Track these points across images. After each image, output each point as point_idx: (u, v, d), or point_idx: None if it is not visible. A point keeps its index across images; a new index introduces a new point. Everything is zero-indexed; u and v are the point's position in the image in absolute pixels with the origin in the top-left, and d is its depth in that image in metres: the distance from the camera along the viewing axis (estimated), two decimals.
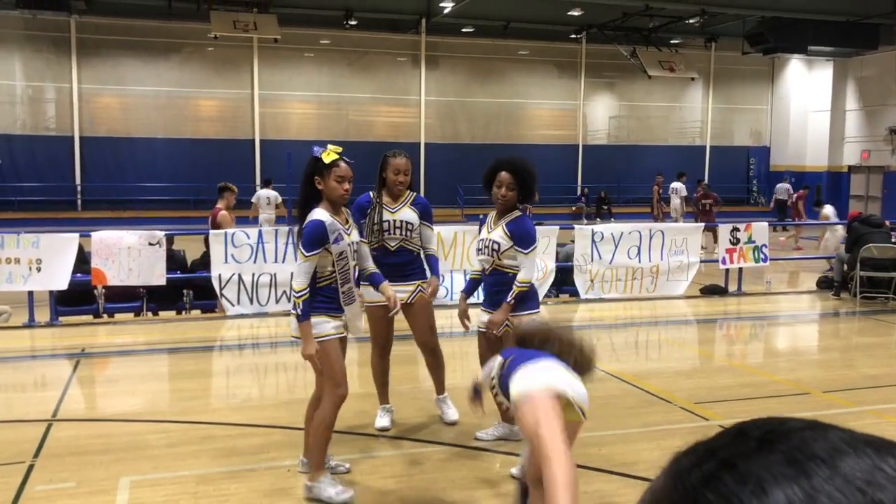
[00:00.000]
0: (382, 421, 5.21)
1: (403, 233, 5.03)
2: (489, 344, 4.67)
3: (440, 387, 5.32)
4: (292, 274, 4.46)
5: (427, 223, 5.14)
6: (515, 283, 4.57)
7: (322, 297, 4.24)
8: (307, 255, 4.10)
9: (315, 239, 4.08)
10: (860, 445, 0.51)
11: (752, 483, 0.49)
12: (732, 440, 0.54)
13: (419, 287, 5.07)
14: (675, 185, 21.61)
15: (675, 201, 21.37)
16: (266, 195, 16.52)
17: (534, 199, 5.03)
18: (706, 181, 21.61)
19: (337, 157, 4.24)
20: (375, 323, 5.11)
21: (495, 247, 4.63)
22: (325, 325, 4.22)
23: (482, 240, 4.77)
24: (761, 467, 0.50)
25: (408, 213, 5.05)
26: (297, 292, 4.15)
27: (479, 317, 4.88)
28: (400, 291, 4.83)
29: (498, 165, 4.68)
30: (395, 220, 5.02)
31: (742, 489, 0.49)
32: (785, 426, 0.54)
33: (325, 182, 4.17)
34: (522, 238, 4.61)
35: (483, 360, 4.55)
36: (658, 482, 0.56)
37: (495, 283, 4.73)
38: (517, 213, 4.71)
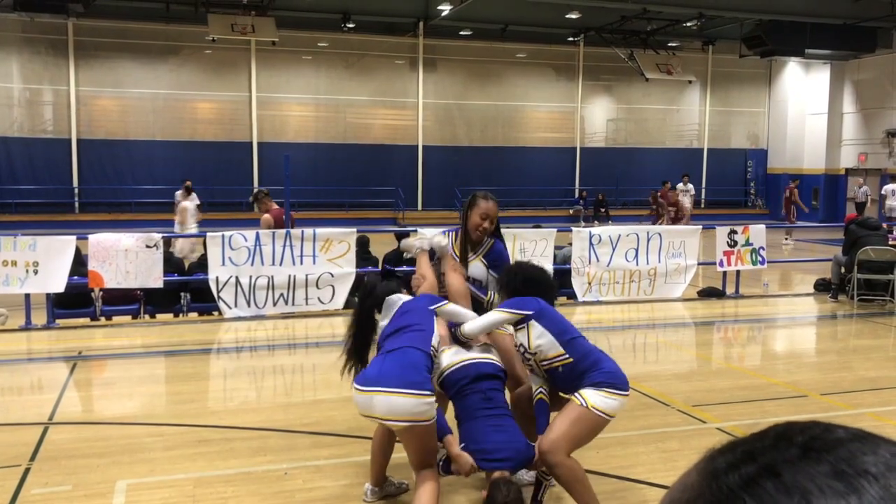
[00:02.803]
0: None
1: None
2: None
3: None
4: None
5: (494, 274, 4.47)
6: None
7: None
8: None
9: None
10: None
11: (797, 495, 0.46)
12: (774, 444, 0.50)
13: None
14: (683, 185, 21.99)
15: (686, 202, 21.60)
16: (190, 205, 15.46)
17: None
18: (670, 183, 21.94)
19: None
20: None
21: (520, 350, 4.09)
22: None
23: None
24: (807, 478, 0.46)
25: (477, 267, 4.52)
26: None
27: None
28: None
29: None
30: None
31: (785, 499, 0.46)
32: (832, 435, 0.50)
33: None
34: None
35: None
36: (690, 478, 0.52)
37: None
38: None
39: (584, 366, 3.78)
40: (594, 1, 21.49)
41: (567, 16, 23.98)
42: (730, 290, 11.07)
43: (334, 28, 23.86)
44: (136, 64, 23.82)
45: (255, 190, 10.29)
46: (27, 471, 4.51)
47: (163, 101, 24.22)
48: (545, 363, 3.84)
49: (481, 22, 24.42)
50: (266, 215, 10.05)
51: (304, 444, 4.99)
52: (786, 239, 19.61)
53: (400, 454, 4.23)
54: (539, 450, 3.75)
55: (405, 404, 3.53)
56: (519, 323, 3.87)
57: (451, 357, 4.02)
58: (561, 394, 3.91)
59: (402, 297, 4.15)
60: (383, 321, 4.08)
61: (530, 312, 3.84)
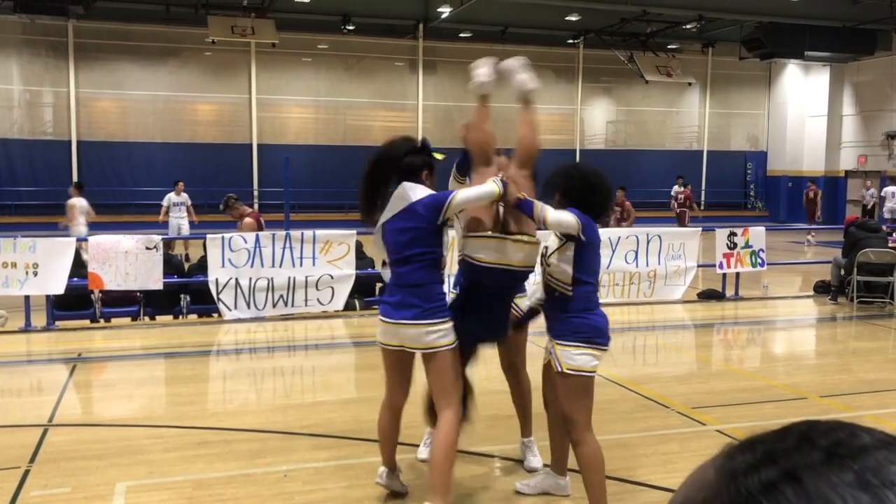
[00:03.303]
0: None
1: None
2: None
3: (527, 427, 4.68)
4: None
5: None
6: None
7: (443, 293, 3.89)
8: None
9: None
10: None
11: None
12: (796, 446, 0.48)
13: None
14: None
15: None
16: (80, 203, 14.91)
17: (602, 216, 4.10)
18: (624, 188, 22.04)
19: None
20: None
21: (543, 251, 3.98)
22: (451, 332, 3.83)
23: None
24: (830, 486, 0.44)
25: None
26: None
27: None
28: None
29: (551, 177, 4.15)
30: None
31: None
32: (857, 441, 0.48)
33: (431, 179, 4.01)
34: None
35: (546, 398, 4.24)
36: (707, 475, 0.50)
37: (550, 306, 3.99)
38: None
39: (574, 307, 3.81)
40: (594, 3, 21.51)
41: (567, 18, 24.00)
42: (729, 292, 11.07)
43: (334, 30, 23.87)
44: (136, 66, 23.83)
45: (226, 196, 10.02)
46: (26, 473, 4.50)
47: (163, 102, 24.23)
48: (549, 277, 3.89)
49: (481, 24, 24.43)
50: (248, 219, 9.79)
51: (304, 446, 4.99)
52: (808, 238, 19.81)
53: (407, 455, 4.23)
54: (564, 424, 3.92)
55: (412, 333, 3.74)
56: (568, 237, 3.77)
57: (488, 253, 3.86)
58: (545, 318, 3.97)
59: (415, 191, 3.89)
60: (386, 213, 3.90)
61: (584, 239, 3.77)
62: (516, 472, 4.61)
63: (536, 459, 4.60)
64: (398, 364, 3.99)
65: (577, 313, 3.77)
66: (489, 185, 3.77)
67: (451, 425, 3.76)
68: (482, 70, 4.21)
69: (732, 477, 0.48)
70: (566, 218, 3.73)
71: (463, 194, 3.80)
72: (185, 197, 16.50)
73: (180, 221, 16.23)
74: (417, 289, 3.78)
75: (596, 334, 3.79)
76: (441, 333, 3.75)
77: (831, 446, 0.47)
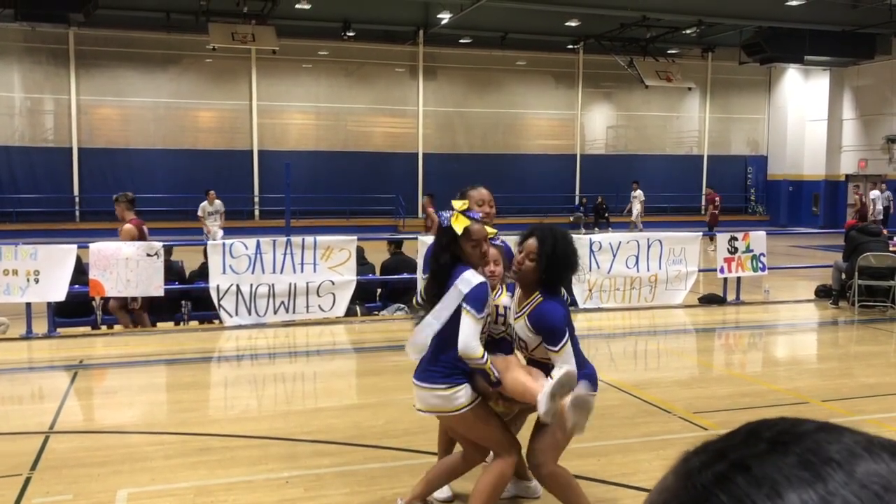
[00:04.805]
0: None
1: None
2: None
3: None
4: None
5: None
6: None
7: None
8: (479, 316, 3.57)
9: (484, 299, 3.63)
10: (876, 449, 0.50)
11: (767, 486, 0.48)
12: (744, 441, 0.53)
13: None
14: (636, 192, 22.66)
15: (637, 208, 22.00)
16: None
17: (559, 291, 3.88)
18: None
19: (467, 221, 3.68)
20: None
21: (522, 345, 3.87)
22: (469, 390, 3.69)
23: (508, 325, 3.91)
24: (775, 470, 0.49)
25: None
26: (480, 359, 3.55)
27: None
28: None
29: (530, 232, 3.88)
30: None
31: (756, 492, 0.48)
32: (798, 428, 0.53)
33: (463, 251, 3.69)
34: (547, 333, 3.69)
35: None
36: (666, 481, 0.55)
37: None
38: (538, 298, 3.77)
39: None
40: (594, 8, 21.56)
41: (567, 23, 24.05)
42: (731, 296, 11.06)
43: (334, 36, 23.93)
44: (136, 73, 23.89)
45: (123, 193, 9.37)
46: (28, 480, 4.50)
47: (163, 109, 24.28)
48: (529, 353, 3.88)
49: (481, 30, 24.49)
50: (129, 226, 9.13)
51: (305, 453, 4.99)
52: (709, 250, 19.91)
53: (409, 462, 4.22)
54: (530, 464, 3.81)
55: (424, 397, 3.72)
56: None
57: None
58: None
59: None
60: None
61: (568, 334, 3.72)
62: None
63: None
64: None
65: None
66: (482, 359, 3.56)
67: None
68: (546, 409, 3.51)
69: (688, 476, 0.52)
70: (570, 355, 3.69)
71: (463, 340, 3.57)
72: (218, 205, 17.08)
73: (215, 229, 16.73)
74: None
75: (593, 382, 3.81)
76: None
77: (775, 436, 0.52)
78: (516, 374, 3.69)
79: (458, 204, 3.77)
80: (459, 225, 3.64)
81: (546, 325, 3.69)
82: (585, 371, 3.77)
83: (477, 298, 3.55)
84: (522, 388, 3.62)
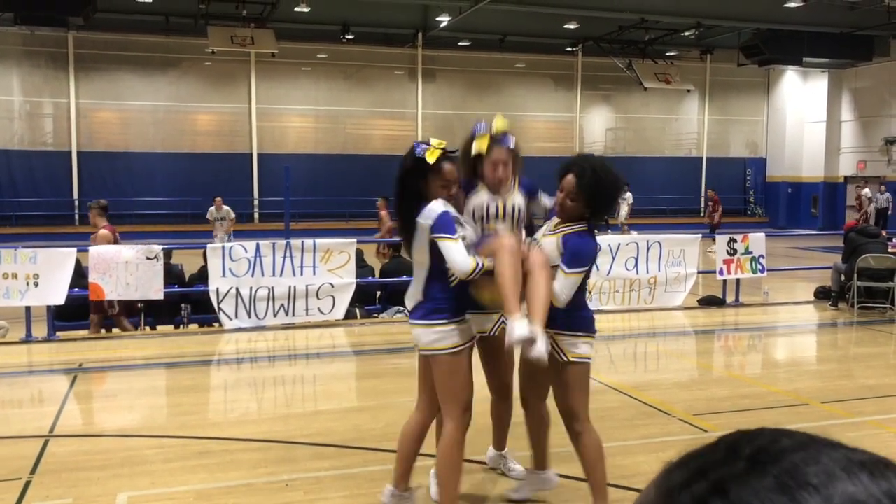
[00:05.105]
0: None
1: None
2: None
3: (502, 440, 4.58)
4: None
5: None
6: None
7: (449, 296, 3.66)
8: (455, 236, 3.48)
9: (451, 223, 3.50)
10: (854, 469, 0.49)
11: None
12: (724, 458, 0.53)
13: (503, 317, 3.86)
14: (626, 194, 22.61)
15: (624, 210, 22.04)
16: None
17: (604, 219, 3.94)
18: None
19: (441, 154, 3.54)
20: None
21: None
22: (452, 336, 3.65)
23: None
24: (752, 493, 0.49)
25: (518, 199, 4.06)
26: (476, 268, 3.46)
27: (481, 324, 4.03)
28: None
29: (566, 167, 3.79)
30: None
31: None
32: (777, 445, 0.53)
33: (428, 187, 3.56)
34: (572, 254, 3.66)
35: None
36: (649, 493, 0.55)
37: None
38: (582, 227, 3.75)
39: (572, 303, 3.78)
40: (592, 11, 21.58)
41: (565, 26, 24.08)
42: (730, 298, 11.07)
43: (333, 39, 23.95)
44: (136, 76, 23.91)
45: (97, 201, 9.34)
46: (27, 484, 4.50)
47: (163, 113, 24.29)
48: None
49: (480, 32, 24.52)
50: (104, 231, 9.06)
51: (305, 456, 4.99)
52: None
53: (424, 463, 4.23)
54: (564, 418, 3.90)
55: (413, 332, 3.72)
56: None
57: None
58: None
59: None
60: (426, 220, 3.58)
61: (587, 268, 3.75)
62: (500, 480, 4.60)
63: (518, 466, 4.55)
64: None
65: (575, 309, 3.80)
66: (479, 266, 3.48)
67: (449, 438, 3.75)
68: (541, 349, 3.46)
69: (668, 494, 0.52)
70: (570, 285, 3.68)
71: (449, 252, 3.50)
72: (225, 210, 17.13)
73: (221, 234, 16.87)
74: None
75: (591, 324, 3.89)
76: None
77: (753, 454, 0.52)
78: (504, 269, 3.50)
79: (435, 141, 3.67)
80: (432, 157, 3.51)
81: (575, 248, 3.67)
82: (583, 313, 3.84)
83: (445, 224, 3.46)
84: (503, 292, 3.49)
